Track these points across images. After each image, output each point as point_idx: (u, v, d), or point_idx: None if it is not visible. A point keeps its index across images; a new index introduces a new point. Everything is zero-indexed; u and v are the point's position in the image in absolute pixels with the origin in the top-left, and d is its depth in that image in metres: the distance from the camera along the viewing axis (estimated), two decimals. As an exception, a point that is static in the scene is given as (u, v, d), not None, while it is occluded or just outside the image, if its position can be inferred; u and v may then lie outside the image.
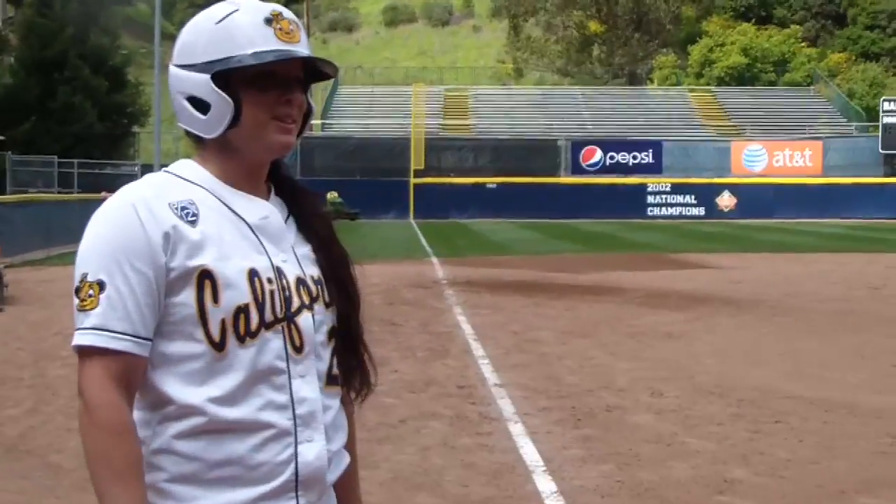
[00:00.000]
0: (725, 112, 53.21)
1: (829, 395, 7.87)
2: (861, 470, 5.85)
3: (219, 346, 1.70)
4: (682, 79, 60.76)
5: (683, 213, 45.10)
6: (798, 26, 63.99)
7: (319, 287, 1.84)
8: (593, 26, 67.69)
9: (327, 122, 49.73)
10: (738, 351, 9.99)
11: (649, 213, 44.68)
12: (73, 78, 35.44)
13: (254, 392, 1.72)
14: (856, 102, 53.12)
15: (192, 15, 1.88)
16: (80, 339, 1.69)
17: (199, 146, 1.84)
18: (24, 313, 12.81)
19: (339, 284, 1.87)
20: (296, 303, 1.78)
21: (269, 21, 1.77)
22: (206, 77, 1.75)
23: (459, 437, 6.53)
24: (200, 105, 1.77)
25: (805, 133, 49.04)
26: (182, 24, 1.94)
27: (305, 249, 1.86)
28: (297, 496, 1.76)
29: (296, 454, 1.75)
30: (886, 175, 45.58)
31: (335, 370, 1.86)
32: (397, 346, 10.13)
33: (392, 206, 43.44)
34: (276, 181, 1.90)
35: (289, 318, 1.76)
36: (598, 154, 46.89)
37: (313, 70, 1.84)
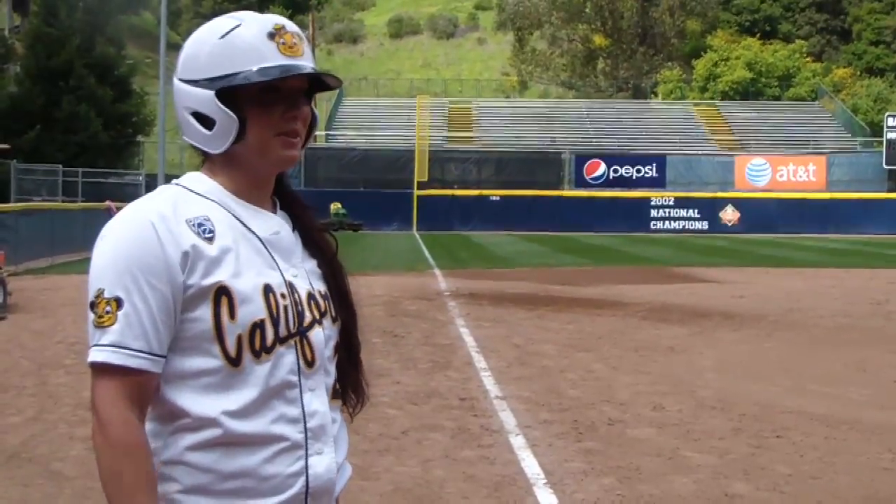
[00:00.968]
0: (729, 126, 53.28)
1: (831, 410, 7.85)
2: (862, 485, 5.84)
3: (235, 361, 1.71)
4: (686, 93, 60.86)
5: (687, 227, 45.07)
6: (803, 41, 64.16)
7: (327, 302, 1.85)
8: (598, 40, 67.96)
9: (331, 133, 49.87)
10: (740, 365, 9.98)
11: (653, 227, 44.64)
12: (78, 87, 35.50)
13: (268, 406, 1.73)
14: (860, 118, 53.17)
15: (198, 25, 1.88)
16: (97, 355, 1.68)
17: (206, 158, 1.84)
18: (27, 321, 12.82)
19: (342, 299, 1.89)
20: (308, 317, 1.80)
21: (272, 35, 1.77)
22: (211, 93, 1.75)
23: (461, 450, 6.52)
24: (205, 121, 1.77)
25: (809, 148, 49.13)
26: (187, 34, 1.95)
27: (311, 264, 1.87)
28: None
29: (306, 466, 1.77)
30: (890, 190, 45.63)
31: (336, 384, 1.88)
32: (399, 358, 10.12)
33: (395, 217, 43.44)
34: (279, 194, 1.91)
35: (301, 332, 1.78)
36: (602, 167, 46.96)
37: (317, 80, 1.85)
